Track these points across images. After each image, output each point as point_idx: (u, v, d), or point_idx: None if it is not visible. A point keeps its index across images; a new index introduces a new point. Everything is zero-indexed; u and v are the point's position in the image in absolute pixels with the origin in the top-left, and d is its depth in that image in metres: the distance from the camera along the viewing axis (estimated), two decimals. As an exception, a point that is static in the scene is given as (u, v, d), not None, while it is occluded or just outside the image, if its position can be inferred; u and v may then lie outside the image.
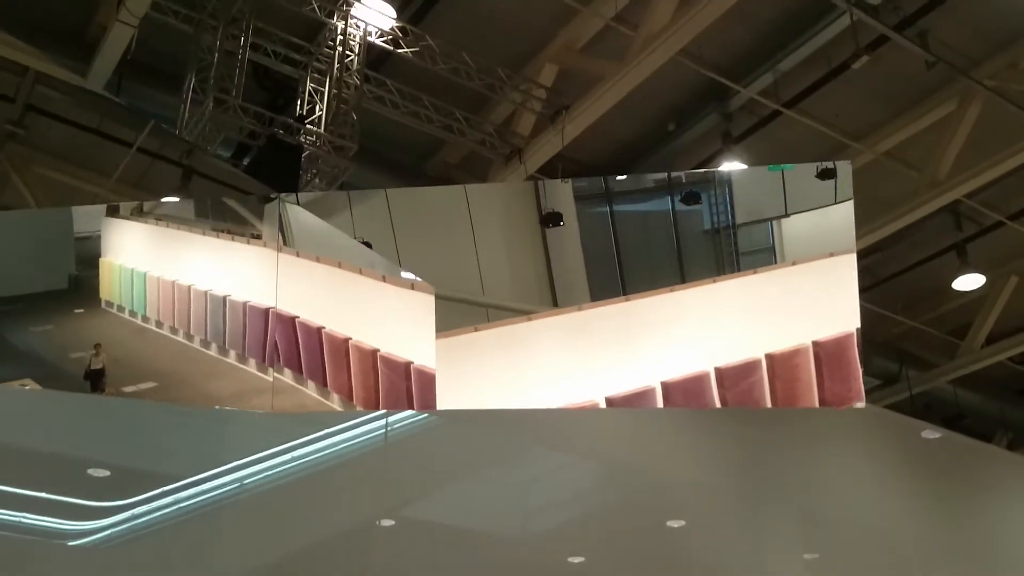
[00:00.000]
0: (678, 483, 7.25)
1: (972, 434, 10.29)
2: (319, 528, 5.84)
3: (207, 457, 5.84)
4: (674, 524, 7.18)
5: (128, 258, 4.34)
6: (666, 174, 3.75)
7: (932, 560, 8.48)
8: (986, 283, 9.99)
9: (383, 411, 6.23)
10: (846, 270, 3.56)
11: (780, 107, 8.10)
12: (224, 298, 4.10)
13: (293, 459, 6.06)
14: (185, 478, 5.56)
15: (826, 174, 3.66)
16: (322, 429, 6.26)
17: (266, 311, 3.96)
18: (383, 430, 6.37)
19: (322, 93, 6.74)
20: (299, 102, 6.73)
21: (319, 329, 3.85)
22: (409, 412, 6.30)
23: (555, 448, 6.88)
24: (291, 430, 6.04)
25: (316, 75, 6.85)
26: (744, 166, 8.02)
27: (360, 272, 3.85)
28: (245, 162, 6.50)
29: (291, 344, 3.92)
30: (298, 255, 4.02)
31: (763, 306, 3.65)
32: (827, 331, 3.52)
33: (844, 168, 3.63)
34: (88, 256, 4.22)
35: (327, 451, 6.22)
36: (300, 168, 6.11)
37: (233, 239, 4.22)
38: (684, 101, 8.58)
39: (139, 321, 4.29)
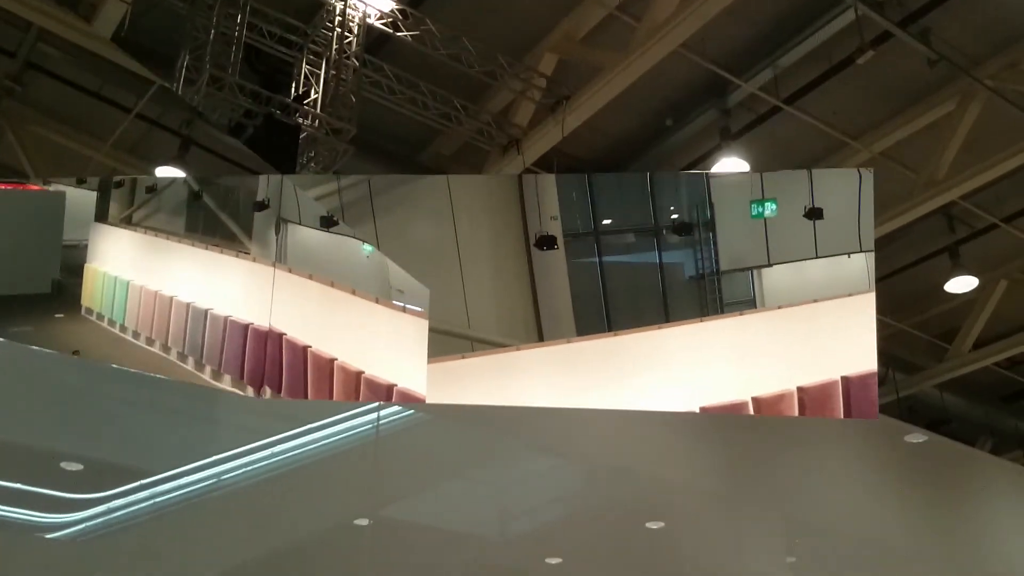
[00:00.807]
0: (661, 485, 7.18)
1: (956, 438, 10.28)
2: (297, 526, 5.70)
3: (194, 439, 5.69)
4: (653, 526, 7.12)
5: (113, 266, 4.31)
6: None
7: (914, 563, 8.47)
8: (976, 287, 9.97)
9: (376, 403, 6.12)
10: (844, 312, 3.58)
11: (779, 103, 8.03)
12: (206, 311, 4.04)
13: (275, 453, 5.93)
14: (171, 463, 5.41)
15: (813, 213, 3.65)
16: (313, 416, 6.13)
17: (246, 327, 3.93)
18: (374, 425, 6.23)
19: (318, 76, 6.58)
20: (294, 84, 6.57)
21: (305, 348, 3.81)
22: (400, 407, 6.18)
23: (541, 448, 6.79)
24: (281, 415, 5.91)
25: (312, 57, 6.70)
26: (743, 162, 7.97)
27: (353, 292, 3.84)
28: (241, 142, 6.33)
29: (274, 362, 3.87)
30: (291, 271, 3.94)
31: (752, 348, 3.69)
32: (814, 376, 3.53)
33: (867, 178, 3.61)
34: (74, 264, 4.19)
35: (314, 445, 6.09)
36: (297, 150, 5.95)
37: (223, 252, 4.15)
38: (682, 97, 8.49)
39: (116, 331, 4.23)
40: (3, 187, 4.73)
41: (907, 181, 8.69)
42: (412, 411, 6.23)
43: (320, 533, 5.81)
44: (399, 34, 6.87)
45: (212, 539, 5.50)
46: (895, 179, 8.75)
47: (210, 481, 5.63)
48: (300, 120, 5.99)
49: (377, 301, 3.78)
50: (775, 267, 3.72)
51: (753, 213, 4.01)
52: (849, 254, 3.65)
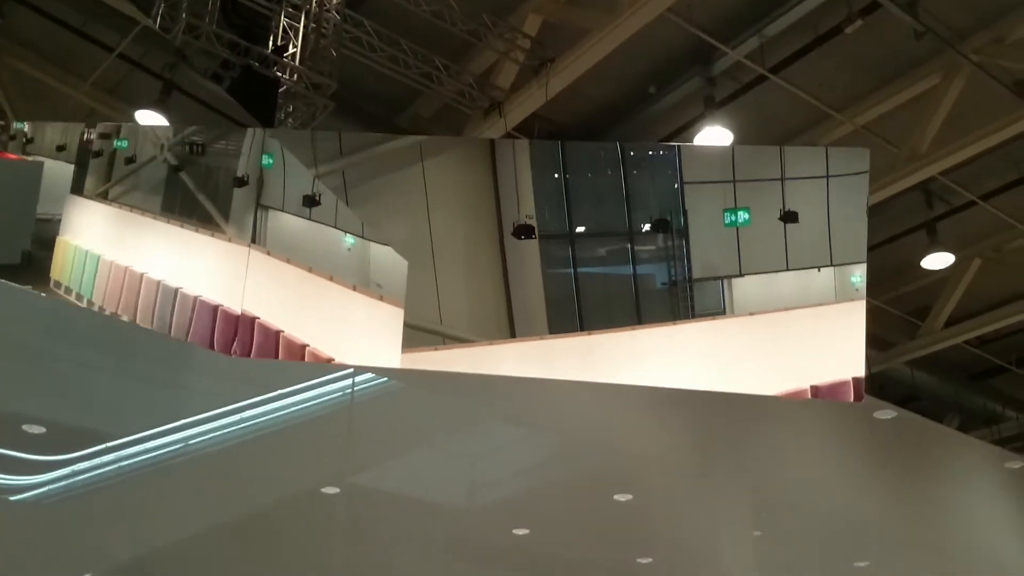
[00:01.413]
0: (631, 458, 7.16)
1: (925, 415, 10.36)
2: (266, 492, 5.60)
3: (162, 402, 5.57)
4: (621, 498, 7.10)
5: (85, 239, 4.25)
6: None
7: (881, 537, 8.55)
8: (951, 263, 10.00)
9: (351, 369, 6.00)
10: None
11: (765, 72, 7.94)
12: (176, 290, 3.99)
13: (245, 418, 5.81)
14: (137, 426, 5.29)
15: (789, 217, 3.66)
16: (286, 379, 6.01)
17: (215, 307, 3.88)
18: (347, 392, 6.13)
19: (296, 30, 6.39)
20: (272, 37, 6.37)
21: (278, 332, 3.78)
22: (373, 373, 6.07)
23: (513, 419, 6.73)
24: (253, 377, 5.79)
25: (291, 10, 6.49)
26: (727, 131, 7.88)
27: (330, 279, 3.80)
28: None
29: (244, 345, 3.85)
30: (269, 254, 3.86)
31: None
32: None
33: (862, 156, 3.61)
34: (47, 237, 4.14)
35: (286, 411, 5.98)
36: (276, 103, 5.77)
37: (198, 231, 4.09)
38: (666, 64, 8.36)
39: (83, 305, 4.16)
40: (-20, 156, 4.63)
41: (888, 155, 8.65)
42: (385, 379, 6.13)
43: (288, 500, 5.72)
44: (382, -12, 6.69)
45: (178, 504, 5.40)
46: (877, 152, 8.69)
47: (177, 446, 5.52)
48: (279, 73, 5.81)
49: (355, 289, 3.77)
50: (747, 277, 3.79)
51: (726, 222, 4.03)
52: (821, 268, 3.72)
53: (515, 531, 6.73)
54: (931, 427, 10.11)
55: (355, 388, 6.18)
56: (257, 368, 5.65)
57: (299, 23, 6.40)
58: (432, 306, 3.68)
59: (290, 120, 5.95)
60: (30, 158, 4.53)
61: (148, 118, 4.92)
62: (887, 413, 9.11)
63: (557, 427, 6.89)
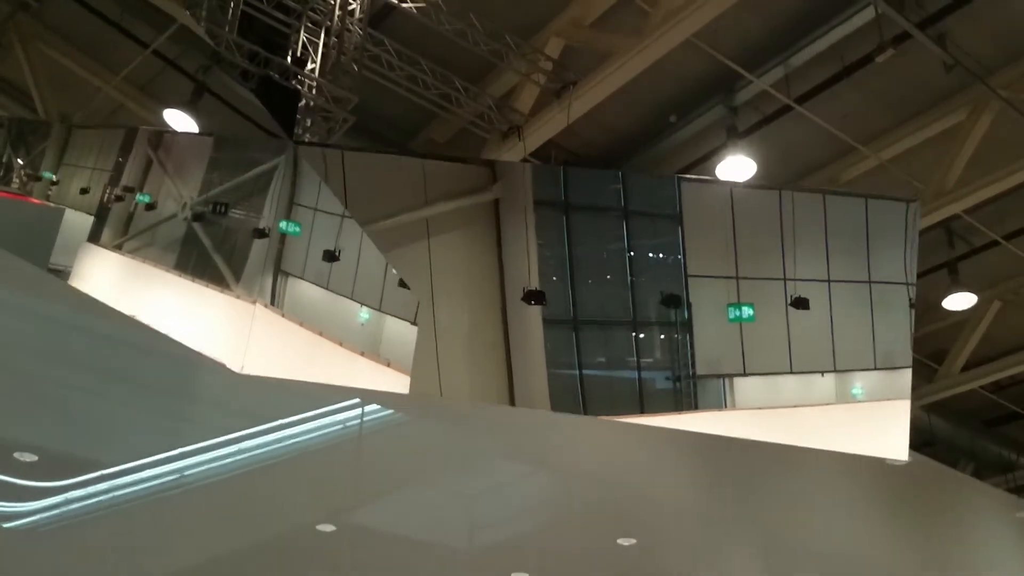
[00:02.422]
0: (638, 501, 6.91)
1: (938, 460, 10.12)
2: (257, 526, 5.34)
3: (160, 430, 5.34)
4: (624, 543, 6.84)
5: (93, 287, 4.23)
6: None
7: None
8: (973, 304, 9.80)
9: (357, 397, 5.79)
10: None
11: (790, 102, 7.79)
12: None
13: (243, 450, 5.57)
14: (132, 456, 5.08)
15: (799, 303, 3.64)
16: (292, 399, 5.78)
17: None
18: (349, 425, 5.90)
19: (316, 45, 6.22)
20: (291, 52, 6.21)
21: None
22: (382, 400, 5.84)
23: (519, 455, 6.48)
24: (254, 407, 5.55)
25: (311, 25, 6.33)
26: (750, 160, 7.71)
27: (340, 345, 3.85)
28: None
29: None
30: (283, 316, 3.84)
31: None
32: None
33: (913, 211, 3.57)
34: None
35: (290, 441, 5.75)
36: (295, 117, 5.58)
37: (208, 286, 4.06)
38: (688, 94, 8.23)
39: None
40: (4, 195, 4.64)
41: (913, 191, 8.49)
42: (392, 411, 5.90)
43: (286, 535, 5.46)
44: (404, 5, 6.53)
45: (174, 536, 5.15)
46: (901, 188, 8.55)
47: (173, 476, 5.29)
48: (298, 86, 5.62)
49: (362, 355, 3.82)
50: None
51: (730, 317, 3.96)
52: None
53: (514, 574, 6.47)
54: (944, 472, 9.88)
55: (364, 418, 5.95)
56: (260, 394, 5.43)
57: (319, 39, 6.24)
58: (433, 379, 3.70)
59: (307, 135, 5.76)
60: (52, 204, 4.57)
61: (177, 118, 4.78)
62: (900, 459, 8.87)
63: (564, 466, 6.63)
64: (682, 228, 5.47)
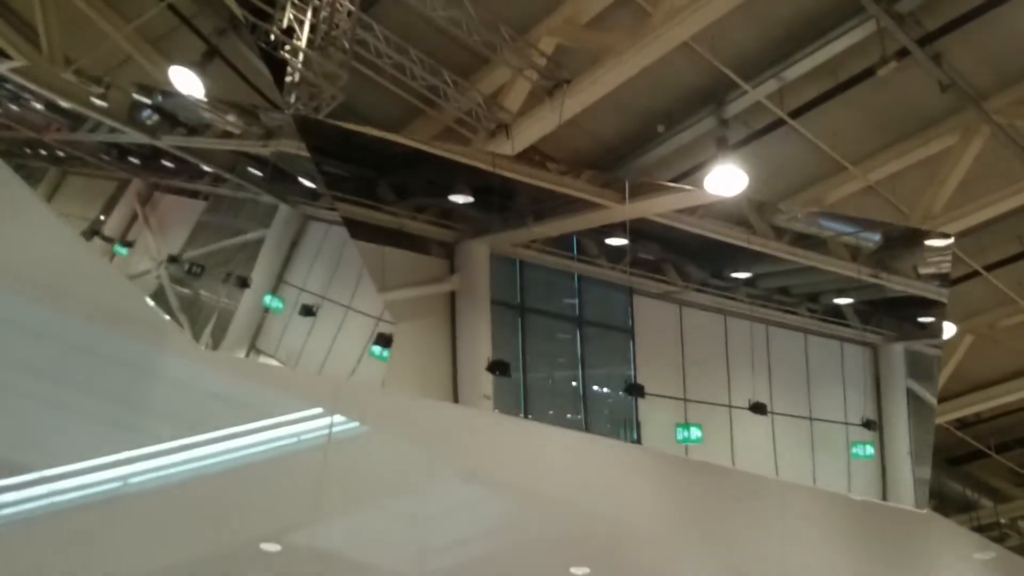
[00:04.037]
0: (596, 527, 6.61)
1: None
2: (197, 541, 4.92)
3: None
4: (577, 572, 6.55)
5: None
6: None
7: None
8: (953, 335, 9.71)
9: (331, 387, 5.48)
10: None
11: (783, 115, 7.64)
12: None
13: (189, 459, 5.18)
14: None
15: (757, 408, 3.77)
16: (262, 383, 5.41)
17: None
18: (312, 434, 5.53)
19: (302, 22, 5.90)
20: (278, 22, 5.87)
21: None
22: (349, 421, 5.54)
23: (485, 474, 6.15)
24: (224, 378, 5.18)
25: (299, 2, 6.01)
26: (741, 171, 7.52)
27: None
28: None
29: None
30: None
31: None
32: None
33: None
34: None
35: (251, 449, 5.37)
36: (282, 87, 5.25)
37: None
38: (676, 104, 8.05)
39: None
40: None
41: (898, 215, 8.39)
42: (355, 424, 5.54)
43: (226, 552, 5.04)
44: (397, -13, 6.26)
45: (105, 546, 4.72)
46: (887, 211, 8.45)
47: (117, 484, 4.89)
48: (288, 56, 5.29)
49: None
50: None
51: (678, 438, 4.13)
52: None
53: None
54: (903, 509, 9.78)
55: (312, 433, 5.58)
56: (220, 391, 5.10)
57: (305, 16, 5.91)
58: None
59: (293, 111, 5.41)
60: None
61: (182, 77, 4.50)
62: (859, 496, 8.77)
63: (529, 484, 6.29)
64: (633, 342, 5.72)
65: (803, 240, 6.41)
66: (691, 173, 8.34)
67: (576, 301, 5.86)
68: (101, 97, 5.08)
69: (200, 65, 4.66)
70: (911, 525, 9.42)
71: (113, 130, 5.06)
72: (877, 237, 6.65)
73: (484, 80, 7.27)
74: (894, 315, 7.06)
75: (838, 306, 6.87)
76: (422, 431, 5.72)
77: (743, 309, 6.49)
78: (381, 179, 5.36)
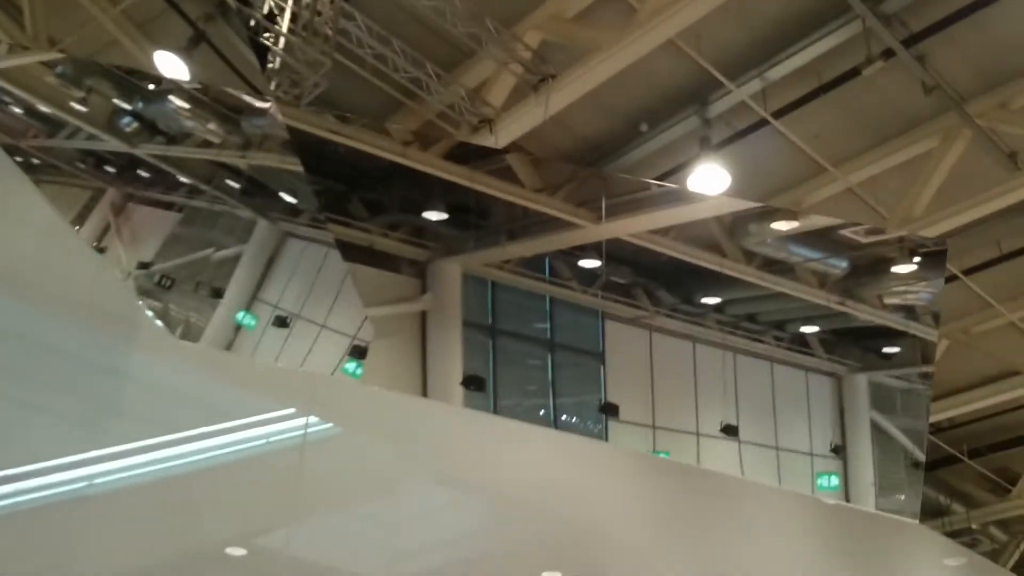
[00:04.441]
0: (571, 527, 6.53)
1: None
2: (161, 543, 4.77)
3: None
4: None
5: None
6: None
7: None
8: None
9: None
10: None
11: (766, 115, 7.61)
12: None
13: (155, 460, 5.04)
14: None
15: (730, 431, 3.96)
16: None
17: None
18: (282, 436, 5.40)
19: (284, 9, 5.77)
20: (258, 13, 5.74)
21: None
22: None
23: (462, 476, 6.05)
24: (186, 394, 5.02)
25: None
26: (724, 171, 7.49)
27: None
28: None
29: None
30: None
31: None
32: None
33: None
34: None
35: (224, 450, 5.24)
36: (264, 73, 5.13)
37: None
38: (660, 103, 8.00)
39: None
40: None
41: (876, 217, 8.39)
42: (328, 425, 5.42)
43: (191, 554, 4.89)
44: (382, -24, 6.15)
45: (66, 548, 4.57)
46: (865, 213, 8.45)
47: (81, 484, 4.74)
48: (270, 42, 5.17)
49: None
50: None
51: None
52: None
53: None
54: (872, 514, 9.83)
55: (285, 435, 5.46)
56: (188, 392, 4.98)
57: (287, 2, 5.79)
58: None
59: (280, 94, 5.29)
60: None
61: (168, 62, 4.38)
62: (831, 500, 8.81)
63: (510, 485, 6.19)
64: (604, 367, 5.77)
65: (772, 265, 6.40)
66: (673, 173, 8.29)
67: (548, 325, 5.87)
68: (81, 102, 4.96)
69: (186, 50, 4.55)
70: (885, 528, 9.44)
71: (91, 137, 4.95)
72: (844, 264, 6.66)
73: (468, 74, 7.17)
74: (858, 345, 7.15)
75: (804, 335, 6.90)
76: (400, 431, 5.61)
77: (712, 336, 6.53)
78: (353, 194, 5.27)
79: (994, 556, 13.21)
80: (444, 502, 6.20)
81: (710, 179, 7.45)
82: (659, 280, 6.30)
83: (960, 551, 10.28)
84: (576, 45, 6.94)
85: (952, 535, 11.80)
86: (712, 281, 6.35)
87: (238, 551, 5.12)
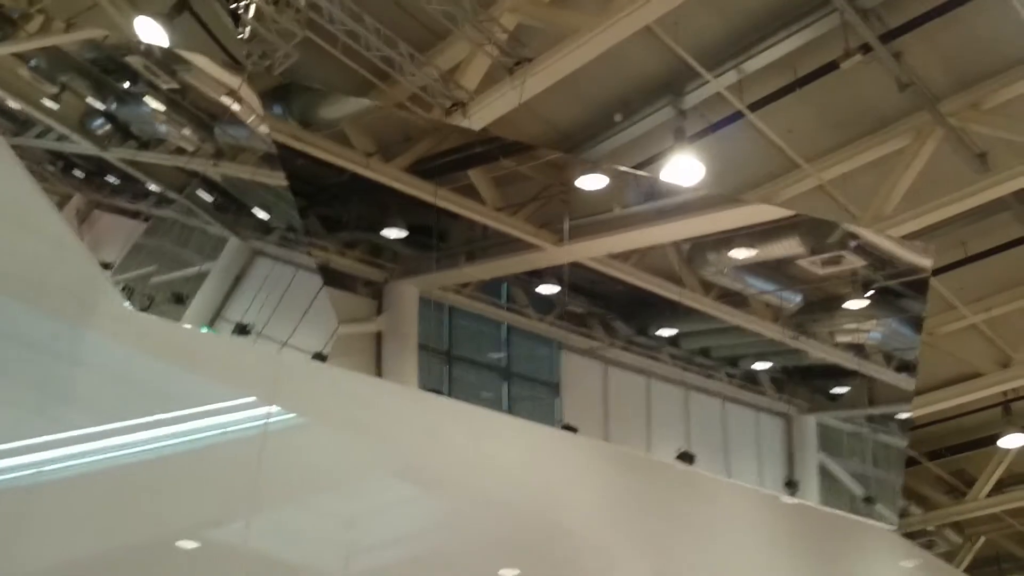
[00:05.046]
0: (533, 523, 6.42)
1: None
2: (110, 534, 4.57)
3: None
4: (507, 573, 6.36)
5: None
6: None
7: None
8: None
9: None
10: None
11: (743, 108, 7.55)
12: None
13: (114, 446, 4.84)
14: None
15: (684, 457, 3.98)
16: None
17: None
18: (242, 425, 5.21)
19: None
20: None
21: None
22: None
23: (426, 469, 5.91)
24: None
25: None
26: (699, 163, 7.41)
27: None
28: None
29: None
30: None
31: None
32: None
33: None
34: None
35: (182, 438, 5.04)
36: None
37: None
38: (634, 93, 7.91)
39: None
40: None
41: (846, 216, 8.37)
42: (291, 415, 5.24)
43: (140, 547, 4.69)
44: (356, -51, 5.99)
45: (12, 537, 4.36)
46: (834, 212, 8.44)
47: (28, 472, 4.53)
48: (243, 10, 4.98)
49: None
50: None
51: None
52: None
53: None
54: (830, 513, 9.86)
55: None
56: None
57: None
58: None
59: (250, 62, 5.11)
60: None
61: (148, 28, 4.19)
62: (791, 499, 8.82)
63: (473, 481, 6.04)
64: (559, 398, 5.83)
65: (728, 297, 6.36)
66: (646, 164, 8.21)
67: (504, 354, 5.82)
68: (54, 98, 4.76)
69: (168, 17, 4.37)
70: (845, 528, 9.45)
71: (61, 137, 4.74)
72: (798, 299, 6.64)
73: (442, 55, 7.03)
74: (808, 385, 7.18)
75: (755, 373, 6.91)
76: (364, 422, 5.45)
77: (666, 371, 6.51)
78: (311, 210, 5.12)
79: (948, 558, 13.33)
80: (405, 496, 6.04)
81: (684, 170, 7.38)
82: (616, 310, 6.28)
83: (916, 552, 10.35)
84: (553, 29, 6.82)
85: (909, 536, 11.86)
86: (668, 312, 6.33)
87: (190, 544, 4.93)
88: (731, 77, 7.51)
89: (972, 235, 9.05)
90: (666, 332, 6.50)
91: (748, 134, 8.04)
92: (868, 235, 6.27)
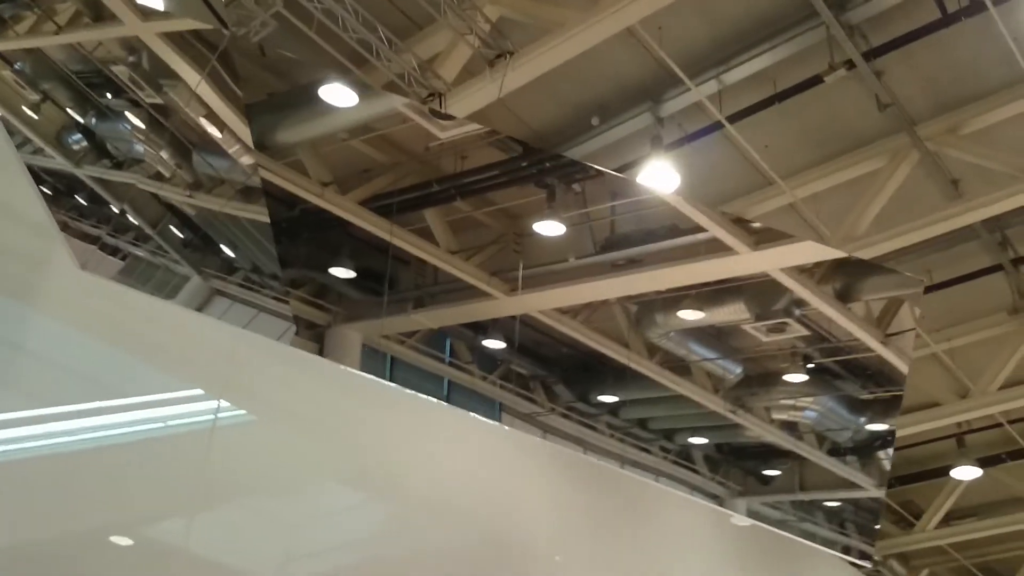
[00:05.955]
0: (487, 533, 6.24)
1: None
2: (42, 524, 4.31)
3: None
4: None
5: None
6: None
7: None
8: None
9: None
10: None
11: (722, 119, 7.46)
12: None
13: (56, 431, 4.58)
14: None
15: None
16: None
17: None
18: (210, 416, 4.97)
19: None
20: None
21: None
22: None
23: (376, 473, 5.69)
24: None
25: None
26: (675, 172, 7.31)
27: None
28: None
29: None
30: None
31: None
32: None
33: None
34: None
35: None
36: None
37: None
38: (613, 97, 7.79)
39: None
40: None
41: (818, 236, 8.32)
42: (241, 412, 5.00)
43: (71, 539, 4.43)
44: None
45: None
46: (806, 231, 8.38)
47: None
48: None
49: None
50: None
51: None
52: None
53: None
54: (782, 537, 9.85)
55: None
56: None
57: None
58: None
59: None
60: None
61: None
62: (744, 520, 8.80)
63: (421, 487, 5.83)
64: None
65: (671, 363, 6.28)
66: (621, 171, 8.07)
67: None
68: (34, 108, 4.50)
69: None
70: (794, 552, 9.40)
71: (36, 151, 4.47)
72: (739, 370, 6.58)
73: (422, 44, 6.84)
74: (741, 467, 7.14)
75: (690, 449, 6.86)
76: (317, 422, 5.23)
77: (602, 442, 6.47)
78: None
79: (893, 588, 13.37)
80: (356, 502, 5.81)
81: (660, 177, 7.26)
82: (558, 374, 6.20)
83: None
84: (535, 24, 6.68)
85: (855, 564, 11.83)
86: (611, 379, 6.28)
87: (123, 540, 4.67)
88: (712, 87, 7.42)
89: (939, 263, 9.05)
90: (607, 398, 6.46)
91: (724, 147, 7.96)
92: (816, 302, 6.07)
